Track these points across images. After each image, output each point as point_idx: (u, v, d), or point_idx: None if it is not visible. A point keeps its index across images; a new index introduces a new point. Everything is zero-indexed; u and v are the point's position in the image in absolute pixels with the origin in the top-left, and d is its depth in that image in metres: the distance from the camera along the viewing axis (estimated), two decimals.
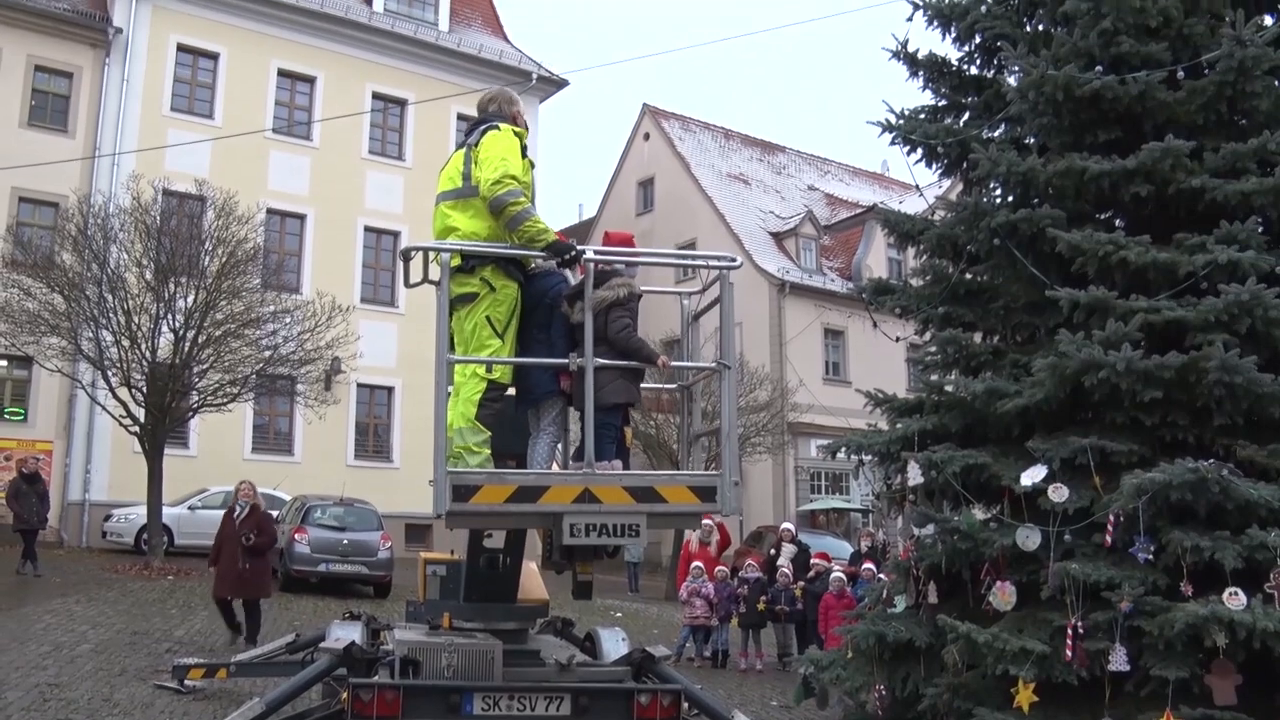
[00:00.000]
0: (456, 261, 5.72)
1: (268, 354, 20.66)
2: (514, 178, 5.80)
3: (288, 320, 21.09)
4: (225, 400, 20.26)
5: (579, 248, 5.87)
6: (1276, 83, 8.45)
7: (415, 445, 26.88)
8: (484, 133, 6.04)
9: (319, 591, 18.05)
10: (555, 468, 6.11)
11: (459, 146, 6.25)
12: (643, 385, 6.48)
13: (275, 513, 20.25)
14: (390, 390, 28.15)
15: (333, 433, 25.75)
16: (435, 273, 5.85)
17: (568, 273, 6.26)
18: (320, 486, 21.91)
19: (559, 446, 6.24)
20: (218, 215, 20.45)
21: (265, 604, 13.20)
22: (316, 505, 19.25)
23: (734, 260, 6.12)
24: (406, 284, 6.11)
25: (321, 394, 22.84)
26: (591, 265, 5.82)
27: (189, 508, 22.18)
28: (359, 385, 27.34)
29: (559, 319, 6.07)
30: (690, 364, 6.64)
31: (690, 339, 6.80)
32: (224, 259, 19.80)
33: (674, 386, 6.79)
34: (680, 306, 6.96)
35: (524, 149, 6.11)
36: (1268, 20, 8.74)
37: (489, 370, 5.81)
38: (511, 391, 6.14)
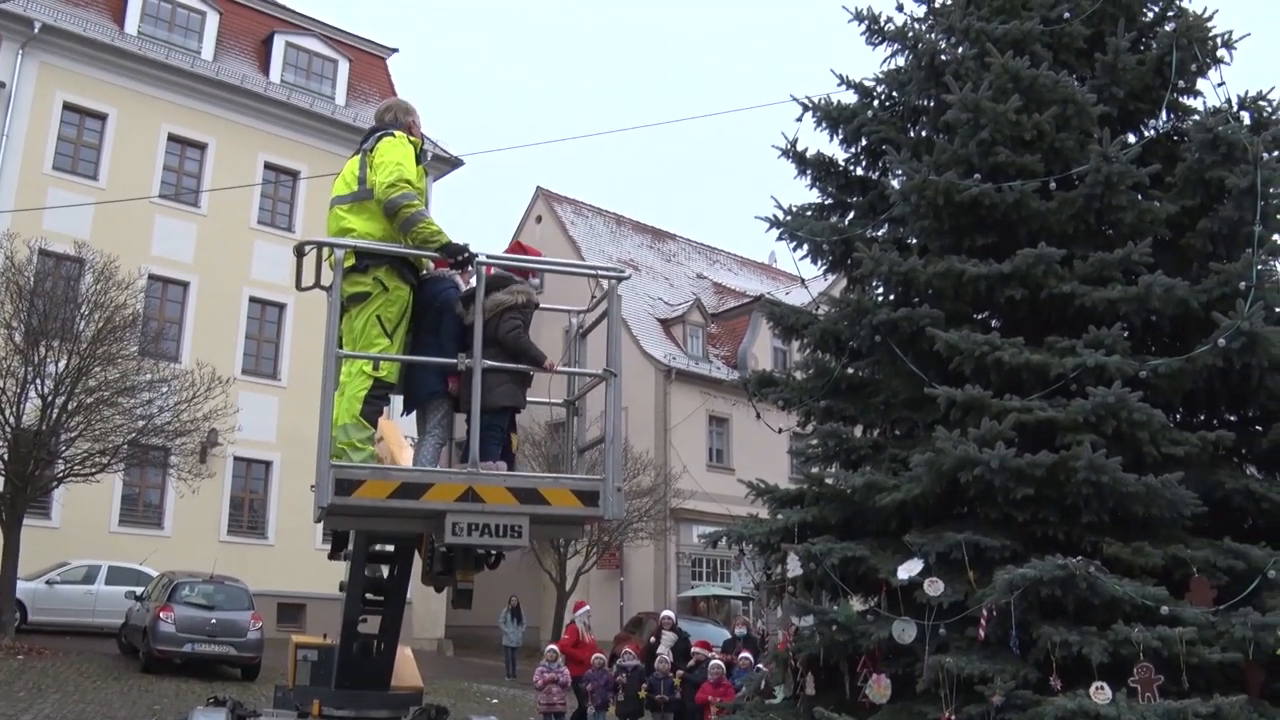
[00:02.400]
0: (350, 261, 5.72)
1: (141, 424, 19.98)
2: (409, 182, 5.91)
3: (164, 390, 20.47)
4: (94, 470, 19.48)
5: (472, 251, 5.91)
6: (1140, 197, 8.92)
7: (292, 521, 26.17)
8: (379, 138, 6.13)
9: (184, 673, 17.30)
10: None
11: (355, 152, 6.29)
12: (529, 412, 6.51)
13: (139, 591, 19.53)
14: (268, 465, 27.42)
15: (206, 507, 24.91)
16: (327, 278, 5.83)
17: (458, 279, 6.31)
18: (190, 562, 21.15)
19: (443, 450, 6.21)
20: (96, 279, 19.85)
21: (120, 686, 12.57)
22: (185, 582, 18.54)
23: (623, 271, 6.25)
24: (299, 286, 6.07)
25: (196, 467, 22.11)
26: (483, 269, 5.84)
27: (47, 582, 21.18)
28: (236, 459, 26.58)
29: (448, 323, 6.11)
30: (576, 370, 6.70)
31: (577, 355, 6.87)
32: (100, 324, 19.18)
33: (560, 402, 6.83)
34: (569, 323, 7.09)
35: (419, 157, 6.22)
36: (1131, 139, 9.26)
37: (375, 368, 5.84)
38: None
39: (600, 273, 6.40)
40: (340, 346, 5.74)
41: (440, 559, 5.84)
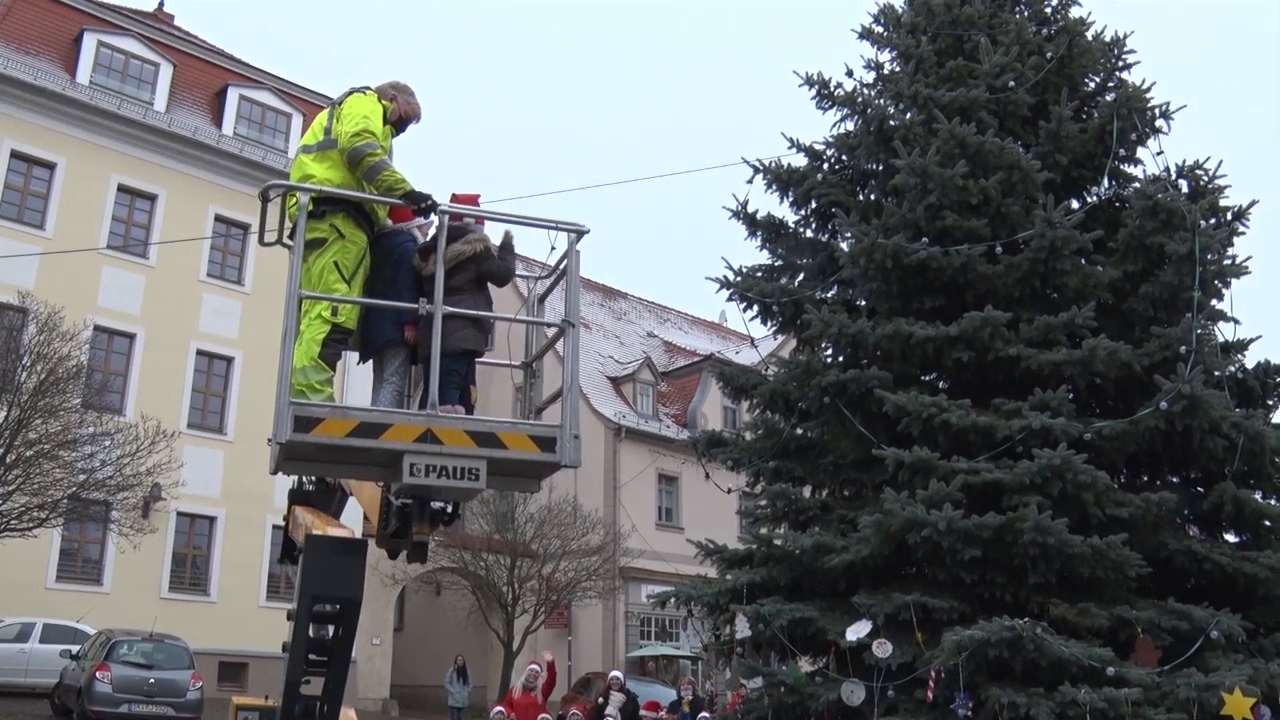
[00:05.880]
0: (309, 208, 5.74)
1: (82, 478, 19.58)
2: (373, 133, 6.01)
3: (107, 443, 20.09)
4: (31, 525, 19.02)
5: (434, 199, 5.94)
6: (1083, 262, 9.10)
7: (235, 578, 25.70)
8: (350, 93, 6.31)
9: None
10: None
11: (326, 107, 6.43)
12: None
13: (75, 650, 19.03)
14: (212, 520, 26.90)
15: (147, 563, 24.38)
16: (289, 240, 5.85)
17: (415, 232, 6.34)
18: (130, 620, 20.64)
19: (401, 399, 6.17)
20: (40, 330, 19.52)
21: None
22: (123, 640, 18.07)
23: (583, 226, 6.27)
24: (261, 240, 6.08)
25: (138, 522, 21.69)
26: (445, 218, 5.86)
27: None
28: (179, 514, 26.06)
29: (405, 275, 6.15)
30: (534, 319, 6.71)
31: (535, 317, 6.86)
32: (43, 376, 18.82)
33: (518, 364, 6.82)
34: (526, 289, 7.08)
35: (386, 118, 6.33)
36: (1074, 205, 9.46)
37: (334, 314, 5.87)
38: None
39: (561, 226, 6.44)
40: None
41: (396, 514, 5.81)
